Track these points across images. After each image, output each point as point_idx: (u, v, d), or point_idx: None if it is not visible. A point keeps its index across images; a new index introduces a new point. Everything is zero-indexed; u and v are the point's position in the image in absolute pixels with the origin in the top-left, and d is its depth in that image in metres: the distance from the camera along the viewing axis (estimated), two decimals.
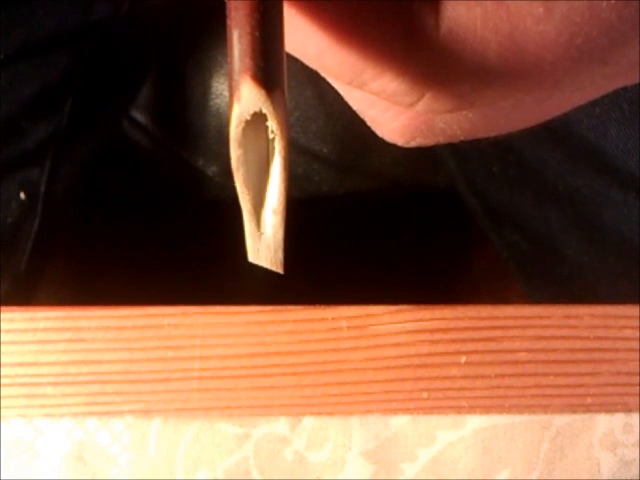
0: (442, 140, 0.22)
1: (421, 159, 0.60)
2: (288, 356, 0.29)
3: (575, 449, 0.30)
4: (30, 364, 0.29)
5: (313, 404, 0.29)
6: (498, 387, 0.30)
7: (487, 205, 0.50)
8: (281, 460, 0.30)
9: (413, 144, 0.22)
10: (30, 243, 0.46)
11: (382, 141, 0.22)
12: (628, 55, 0.18)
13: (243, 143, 0.17)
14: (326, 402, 0.29)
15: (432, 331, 0.29)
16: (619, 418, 0.30)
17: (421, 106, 0.19)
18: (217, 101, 0.58)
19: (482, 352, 0.30)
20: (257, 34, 0.16)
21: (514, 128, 0.22)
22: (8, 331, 0.29)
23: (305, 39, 0.18)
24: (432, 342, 0.29)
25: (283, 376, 0.29)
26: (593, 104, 0.38)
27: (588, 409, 0.30)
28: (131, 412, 0.29)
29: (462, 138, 0.22)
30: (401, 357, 0.29)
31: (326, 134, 0.58)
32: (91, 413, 0.29)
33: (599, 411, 0.30)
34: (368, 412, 0.30)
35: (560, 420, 0.30)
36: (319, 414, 0.29)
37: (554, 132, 0.43)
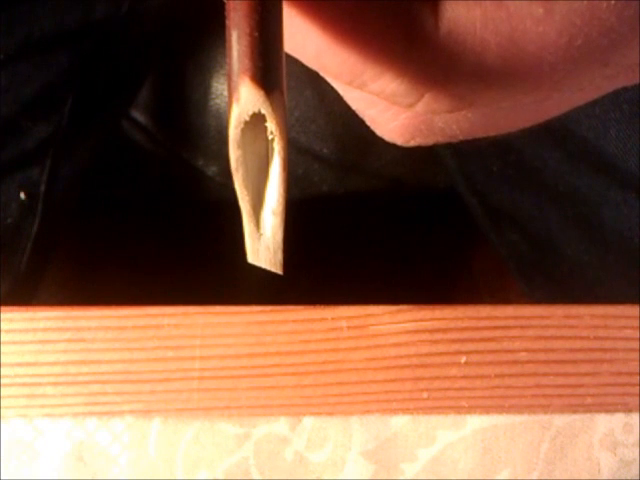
0: (442, 140, 0.22)
1: (421, 159, 0.60)
2: (288, 356, 0.29)
3: (575, 449, 0.30)
4: (30, 364, 0.29)
5: (313, 404, 0.29)
6: (498, 387, 0.30)
7: (487, 205, 0.50)
8: (281, 460, 0.30)
9: (412, 144, 0.22)
10: (30, 243, 0.46)
11: (382, 141, 0.22)
12: (628, 56, 0.18)
13: (242, 144, 0.17)
14: (326, 402, 0.29)
15: (432, 331, 0.29)
16: (619, 418, 0.30)
17: (421, 106, 0.19)
18: (217, 101, 0.58)
19: (482, 352, 0.30)
20: (256, 35, 0.16)
21: (514, 128, 0.22)
22: (8, 331, 0.29)
23: (305, 40, 0.18)
24: (432, 342, 0.29)
25: (283, 376, 0.29)
26: (593, 104, 0.38)
27: (588, 409, 0.30)
28: (131, 412, 0.29)
29: (462, 138, 0.22)
30: (401, 357, 0.29)
31: (326, 134, 0.58)
32: (91, 413, 0.29)
33: (599, 411, 0.30)
34: (368, 412, 0.30)
35: (560, 420, 0.30)
36: (319, 414, 0.29)
37: (554, 132, 0.43)
